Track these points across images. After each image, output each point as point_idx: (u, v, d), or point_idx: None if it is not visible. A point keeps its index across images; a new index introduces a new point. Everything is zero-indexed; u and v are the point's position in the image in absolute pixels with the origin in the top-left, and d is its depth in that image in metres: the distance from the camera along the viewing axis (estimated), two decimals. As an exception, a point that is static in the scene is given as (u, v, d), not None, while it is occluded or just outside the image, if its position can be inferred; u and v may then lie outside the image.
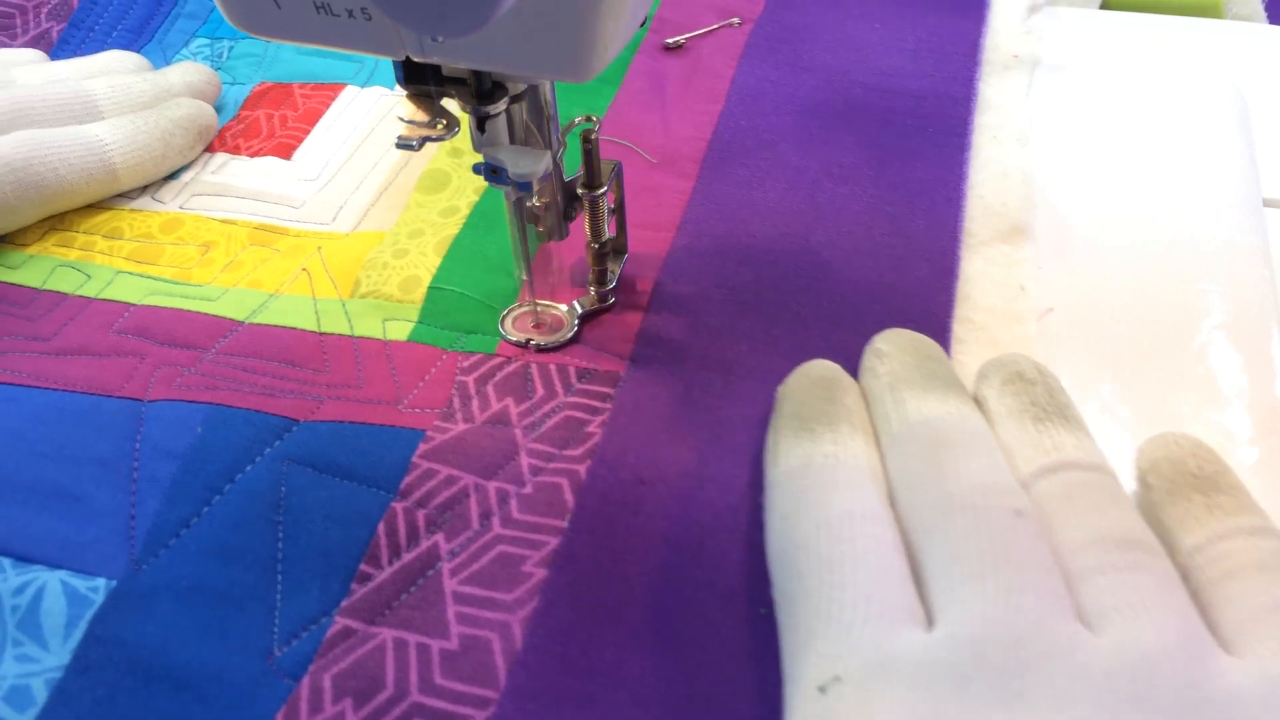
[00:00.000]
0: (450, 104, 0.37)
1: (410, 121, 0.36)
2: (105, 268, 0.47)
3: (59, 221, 0.50)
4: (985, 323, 0.42)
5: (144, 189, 0.52)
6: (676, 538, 0.36)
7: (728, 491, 0.37)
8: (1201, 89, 0.53)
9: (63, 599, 0.35)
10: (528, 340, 0.42)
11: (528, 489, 0.37)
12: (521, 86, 0.36)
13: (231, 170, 0.53)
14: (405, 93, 0.36)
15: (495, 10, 0.25)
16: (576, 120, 0.40)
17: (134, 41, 0.62)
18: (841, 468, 0.33)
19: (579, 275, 0.45)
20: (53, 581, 0.36)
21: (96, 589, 0.36)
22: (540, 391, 0.40)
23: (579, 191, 0.41)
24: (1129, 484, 0.35)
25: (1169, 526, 0.32)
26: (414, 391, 0.41)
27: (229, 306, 0.45)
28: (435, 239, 0.47)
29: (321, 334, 0.44)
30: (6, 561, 0.36)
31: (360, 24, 0.32)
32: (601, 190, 0.41)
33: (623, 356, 0.42)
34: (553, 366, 0.41)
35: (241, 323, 0.44)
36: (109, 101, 0.52)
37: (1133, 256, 0.45)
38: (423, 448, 0.39)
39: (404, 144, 0.36)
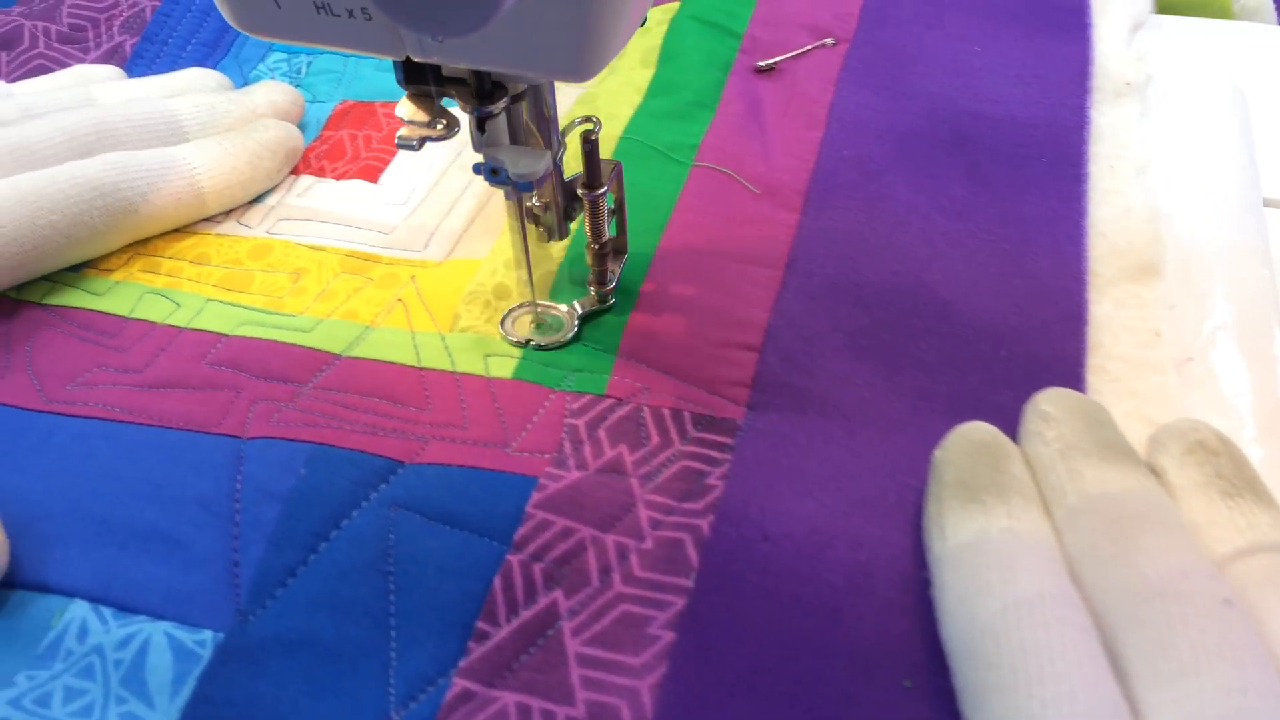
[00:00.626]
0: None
1: (410, 121, 0.36)
2: (194, 295, 0.46)
3: (144, 246, 0.49)
4: (1120, 373, 0.40)
5: (229, 213, 0.50)
6: (808, 600, 0.34)
7: (858, 549, 0.35)
8: (1202, 89, 0.53)
9: (169, 654, 0.34)
10: (528, 340, 0.42)
11: (648, 544, 0.36)
12: (521, 86, 0.36)
13: (317, 194, 0.51)
14: (405, 93, 0.36)
15: (495, 10, 0.26)
16: (576, 120, 0.39)
17: (209, 56, 0.60)
18: (1021, 543, 0.31)
19: (578, 275, 0.45)
20: (157, 634, 0.34)
21: (203, 642, 0.34)
22: (655, 439, 0.39)
23: (579, 191, 0.41)
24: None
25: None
26: (522, 434, 0.39)
27: (324, 338, 0.44)
28: (536, 272, 0.45)
29: (422, 369, 0.42)
30: (107, 611, 0.35)
31: (360, 24, 0.32)
32: (601, 190, 0.41)
33: (739, 402, 0.40)
34: (666, 411, 0.40)
35: (338, 356, 0.43)
36: (194, 122, 0.50)
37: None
38: (536, 496, 0.37)
39: (404, 144, 0.36)
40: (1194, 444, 0.34)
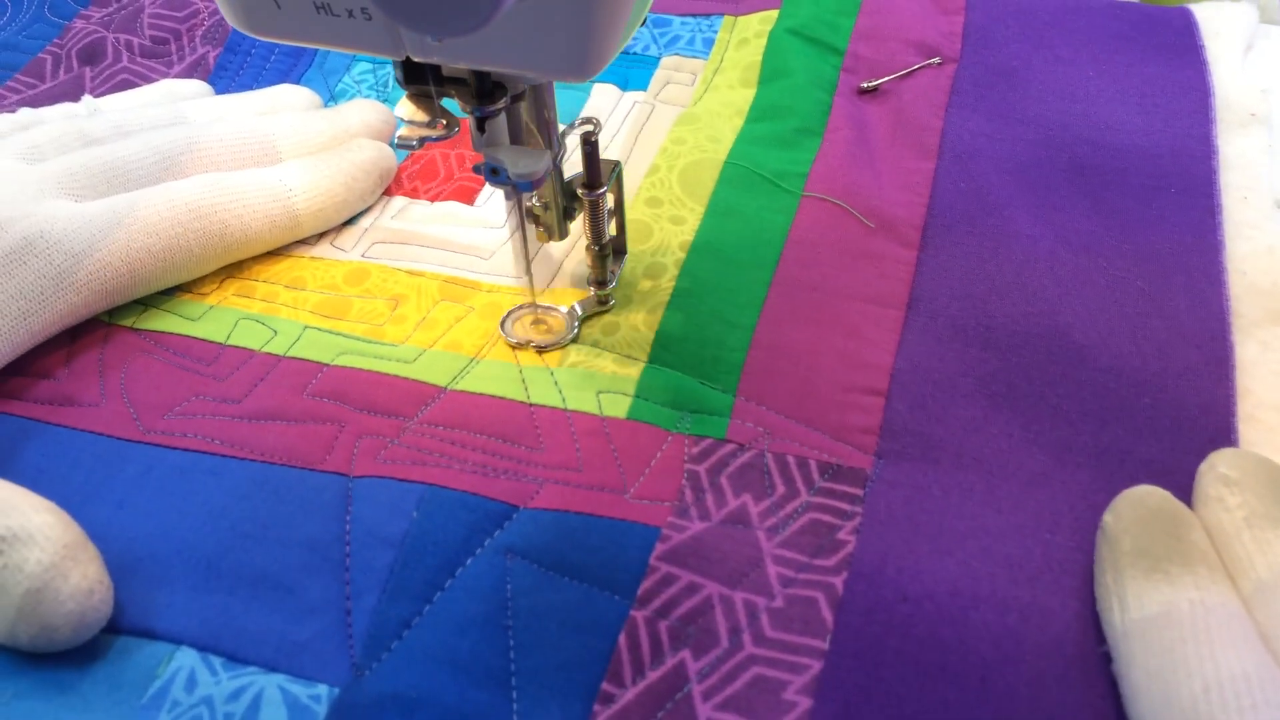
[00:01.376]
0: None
1: (410, 121, 0.36)
2: (292, 322, 0.45)
3: (237, 269, 0.47)
4: (1275, 423, 0.38)
5: (322, 235, 0.49)
6: (954, 669, 0.32)
7: (1006, 613, 0.33)
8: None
9: (284, 708, 0.32)
10: (528, 341, 0.42)
11: (779, 602, 0.34)
12: (521, 86, 0.36)
13: (412, 216, 0.50)
14: (405, 92, 0.36)
15: (495, 10, 0.25)
16: (576, 121, 0.39)
17: (293, 68, 0.59)
18: (1214, 618, 0.29)
19: (578, 276, 0.45)
20: (270, 687, 0.33)
21: (318, 697, 0.33)
22: (781, 489, 0.37)
23: (579, 191, 0.41)
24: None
25: None
26: (640, 479, 0.38)
27: (428, 370, 0.42)
28: (644, 308, 0.43)
29: (531, 405, 0.40)
30: (217, 661, 0.34)
31: (360, 24, 0.32)
32: (601, 190, 0.41)
33: (867, 450, 0.38)
34: (791, 459, 0.38)
35: (444, 389, 0.41)
36: (288, 142, 0.49)
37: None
38: (660, 548, 0.35)
39: (404, 144, 0.36)
40: None
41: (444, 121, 0.36)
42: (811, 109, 0.52)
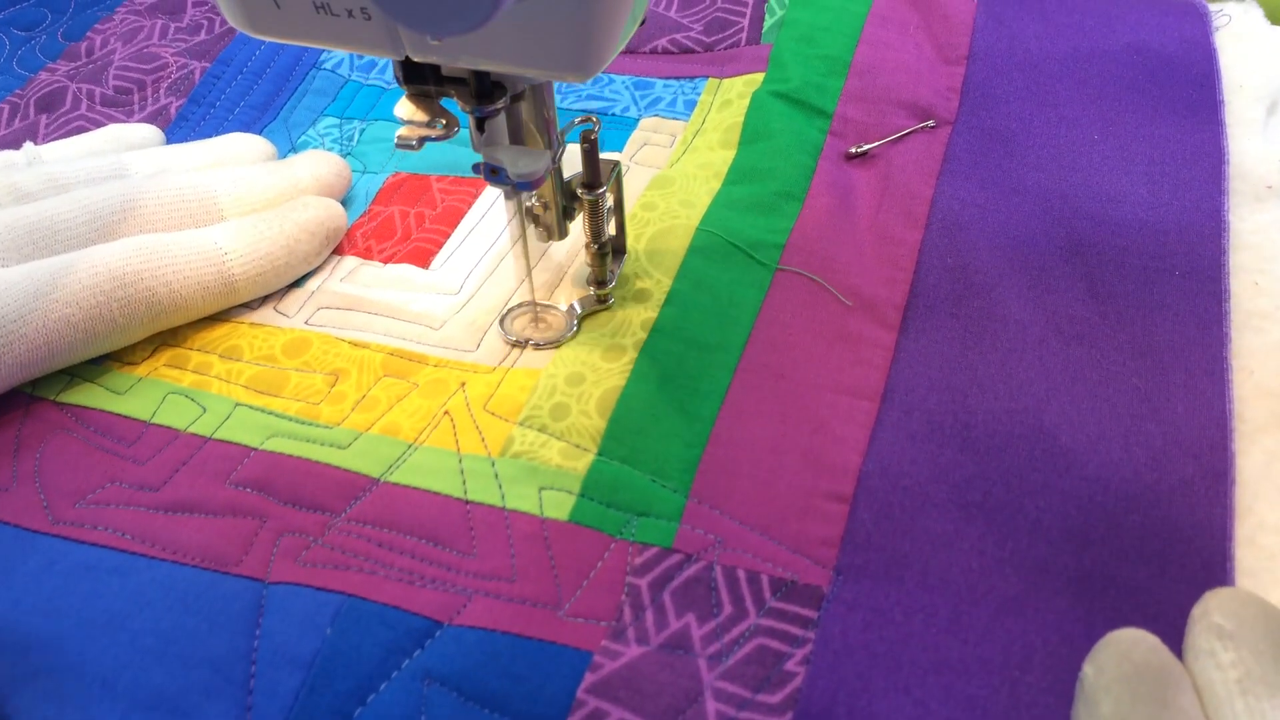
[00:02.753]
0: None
1: (410, 121, 0.35)
2: (222, 398, 0.42)
3: (172, 336, 0.44)
4: (1278, 549, 0.34)
5: (266, 299, 0.46)
6: (907, 834, 0.29)
7: (967, 768, 0.30)
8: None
9: None
10: (527, 339, 0.42)
11: (718, 746, 0.31)
12: (521, 86, 0.36)
13: (362, 279, 0.47)
14: (405, 92, 0.36)
15: (495, 10, 0.25)
16: (576, 120, 0.39)
17: (257, 120, 0.56)
18: None
19: (578, 275, 0.45)
20: (152, 831, 0.30)
21: (204, 843, 0.30)
22: (729, 608, 0.34)
23: (579, 191, 0.41)
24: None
25: None
26: (577, 593, 0.35)
27: (361, 458, 0.39)
28: (598, 392, 0.40)
29: (468, 502, 0.37)
30: (99, 793, 0.31)
31: (360, 24, 0.32)
32: (601, 190, 0.41)
33: (826, 565, 0.35)
34: (741, 573, 0.35)
35: (377, 480, 0.38)
36: (230, 198, 0.46)
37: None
38: (589, 679, 0.32)
39: (403, 144, 0.35)
40: None
41: (444, 121, 0.35)
42: (793, 172, 0.49)
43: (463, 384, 0.42)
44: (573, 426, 0.39)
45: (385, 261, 0.48)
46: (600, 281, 0.43)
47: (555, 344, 0.42)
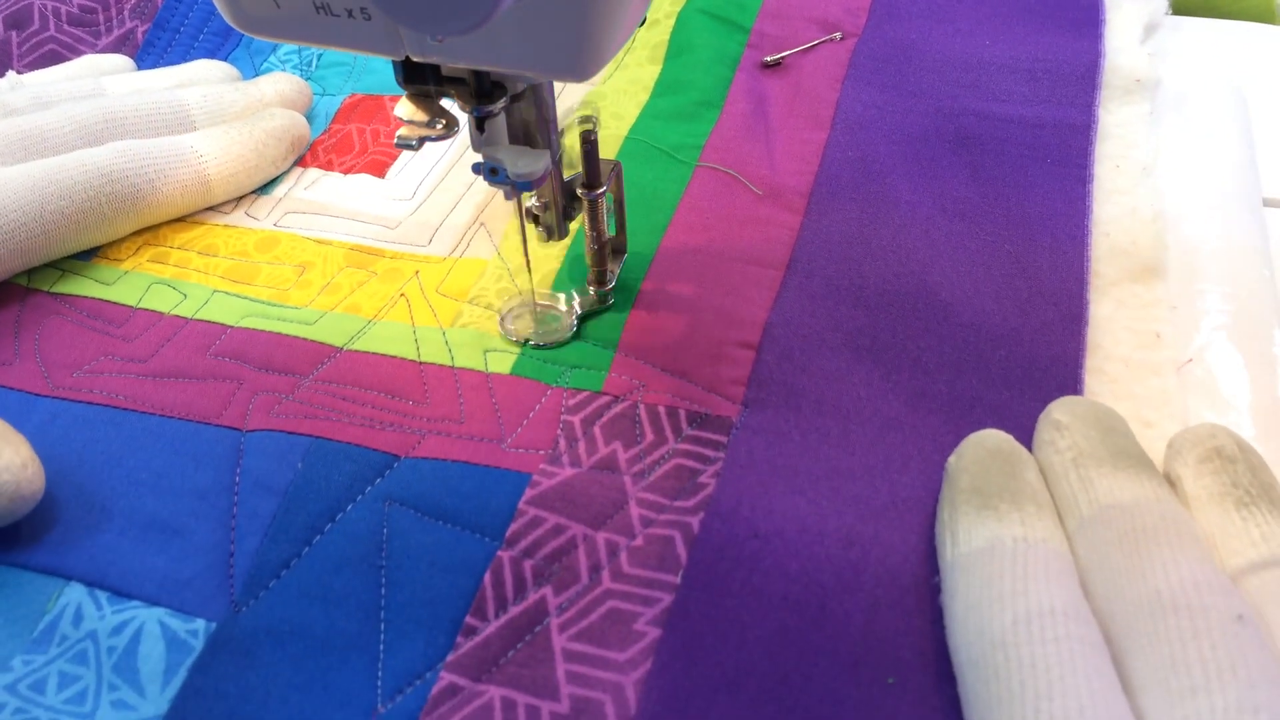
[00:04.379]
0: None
1: (410, 121, 0.36)
2: (201, 286, 0.47)
3: (153, 236, 0.49)
4: (1119, 374, 0.40)
5: (237, 204, 0.51)
6: (796, 597, 0.34)
7: (850, 546, 0.35)
8: (1201, 89, 0.53)
9: (161, 643, 0.34)
10: (527, 339, 0.42)
11: (638, 541, 0.36)
12: (521, 86, 0.36)
13: (325, 187, 0.52)
14: (405, 92, 0.36)
15: (494, 9, 0.25)
16: (576, 120, 0.39)
17: (220, 46, 0.61)
18: (1034, 553, 0.31)
19: (578, 275, 0.45)
20: (150, 622, 0.35)
21: (196, 632, 0.35)
22: (650, 436, 0.39)
23: (579, 191, 0.41)
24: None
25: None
26: (518, 430, 0.40)
27: (327, 331, 0.44)
28: (537, 275, 0.45)
29: (421, 363, 0.42)
30: (103, 596, 0.36)
31: (360, 24, 0.32)
32: (601, 190, 0.41)
33: (735, 400, 0.40)
34: (661, 409, 0.40)
35: (340, 349, 0.43)
36: (201, 111, 0.51)
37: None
38: (529, 493, 0.37)
39: (403, 143, 0.36)
40: (1210, 451, 0.34)
41: (444, 121, 0.36)
42: (713, 84, 0.54)
43: (417, 272, 0.47)
44: (515, 300, 0.44)
45: (345, 172, 0.53)
46: (600, 281, 0.44)
47: (556, 344, 0.43)
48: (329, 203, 0.51)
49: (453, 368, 0.42)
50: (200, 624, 0.35)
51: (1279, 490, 0.32)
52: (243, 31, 0.34)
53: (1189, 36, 0.58)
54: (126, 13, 0.62)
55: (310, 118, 0.56)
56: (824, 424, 0.39)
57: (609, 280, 0.44)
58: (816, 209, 0.47)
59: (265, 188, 0.52)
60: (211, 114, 0.51)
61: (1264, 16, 0.62)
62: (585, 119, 0.40)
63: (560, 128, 0.40)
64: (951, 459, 0.36)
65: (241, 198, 0.51)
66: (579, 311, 0.43)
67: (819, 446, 0.38)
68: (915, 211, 0.46)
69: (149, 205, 0.47)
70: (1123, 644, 0.29)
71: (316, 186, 0.52)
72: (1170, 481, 0.34)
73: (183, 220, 0.50)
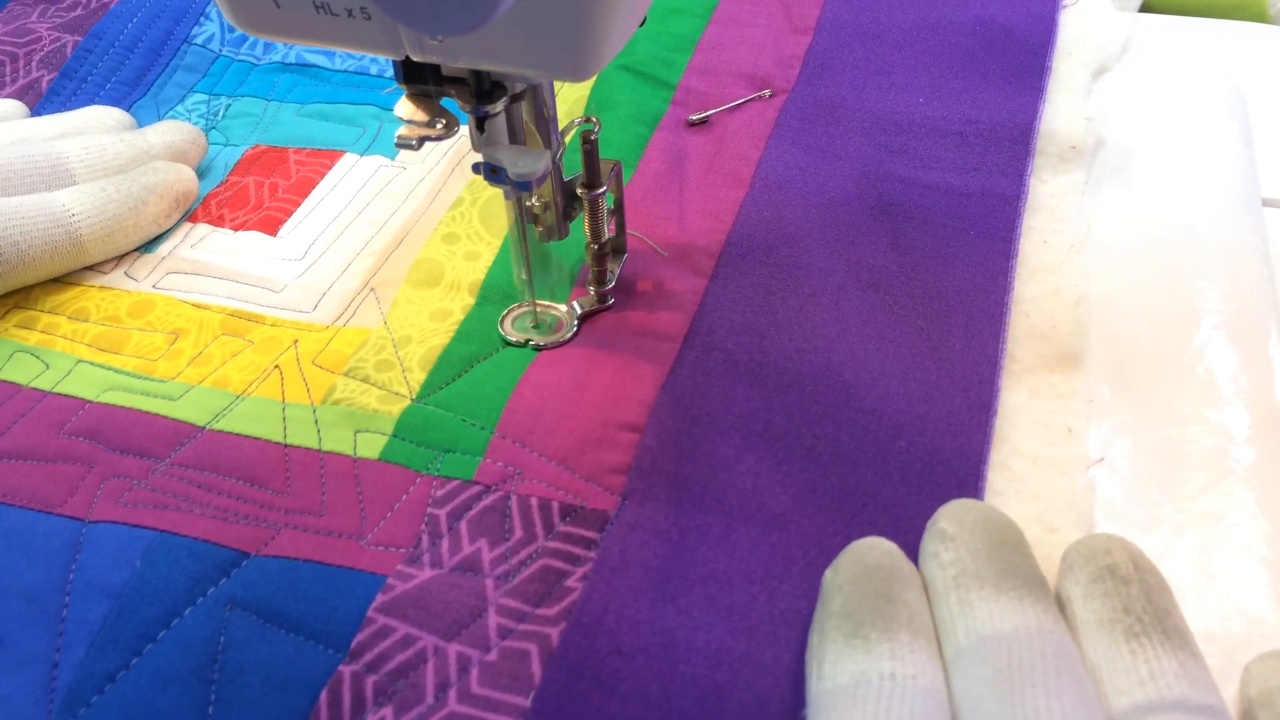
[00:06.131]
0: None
1: (409, 121, 0.35)
2: (66, 355, 0.44)
3: (24, 298, 0.46)
4: (1025, 472, 0.37)
5: (118, 263, 0.48)
6: (654, 727, 0.31)
7: (716, 667, 0.32)
8: (1201, 89, 0.53)
9: (-37, 771, 0.31)
10: (527, 340, 0.42)
11: (492, 655, 0.33)
12: (521, 86, 0.36)
13: (212, 245, 0.49)
14: (405, 92, 0.36)
15: (494, 9, 0.25)
16: (576, 120, 0.39)
17: (128, 95, 0.58)
18: (899, 694, 0.28)
19: (578, 275, 0.45)
20: (-45, 747, 0.32)
21: (3, 758, 0.32)
22: (519, 533, 0.36)
23: (578, 191, 0.41)
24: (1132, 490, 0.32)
25: None
26: (380, 524, 0.37)
27: (190, 408, 0.41)
28: (422, 349, 0.42)
29: (287, 446, 0.39)
30: (-88, 713, 0.33)
31: (359, 23, 0.31)
32: (601, 190, 0.41)
33: (614, 491, 0.37)
34: (534, 501, 0.37)
35: (202, 428, 0.40)
36: (81, 165, 0.48)
37: (1130, 253, 0.45)
38: (380, 599, 0.34)
39: (403, 143, 0.35)
40: (1103, 570, 0.31)
41: (443, 121, 0.36)
42: (628, 142, 0.51)
43: (295, 341, 0.44)
44: (394, 378, 0.42)
45: (236, 229, 0.50)
46: (600, 281, 0.43)
47: (556, 344, 0.42)
48: (214, 263, 0.48)
49: (319, 451, 0.39)
50: (8, 749, 0.32)
51: (1174, 618, 0.30)
52: (244, 31, 0.33)
53: (1188, 37, 0.57)
54: (34, 63, 0.60)
55: (207, 169, 0.53)
56: (705, 521, 0.36)
57: (609, 280, 0.43)
58: (724, 272, 0.44)
59: (149, 245, 0.49)
60: (92, 168, 0.48)
61: (1257, 16, 0.61)
62: (586, 119, 0.39)
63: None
64: (828, 573, 0.33)
65: (123, 256, 0.48)
66: (579, 313, 0.43)
67: (697, 547, 0.35)
68: (827, 280, 0.44)
69: (14, 268, 0.44)
70: None
71: (203, 244, 0.49)
72: (1061, 602, 0.31)
73: (58, 281, 0.47)
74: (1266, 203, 0.48)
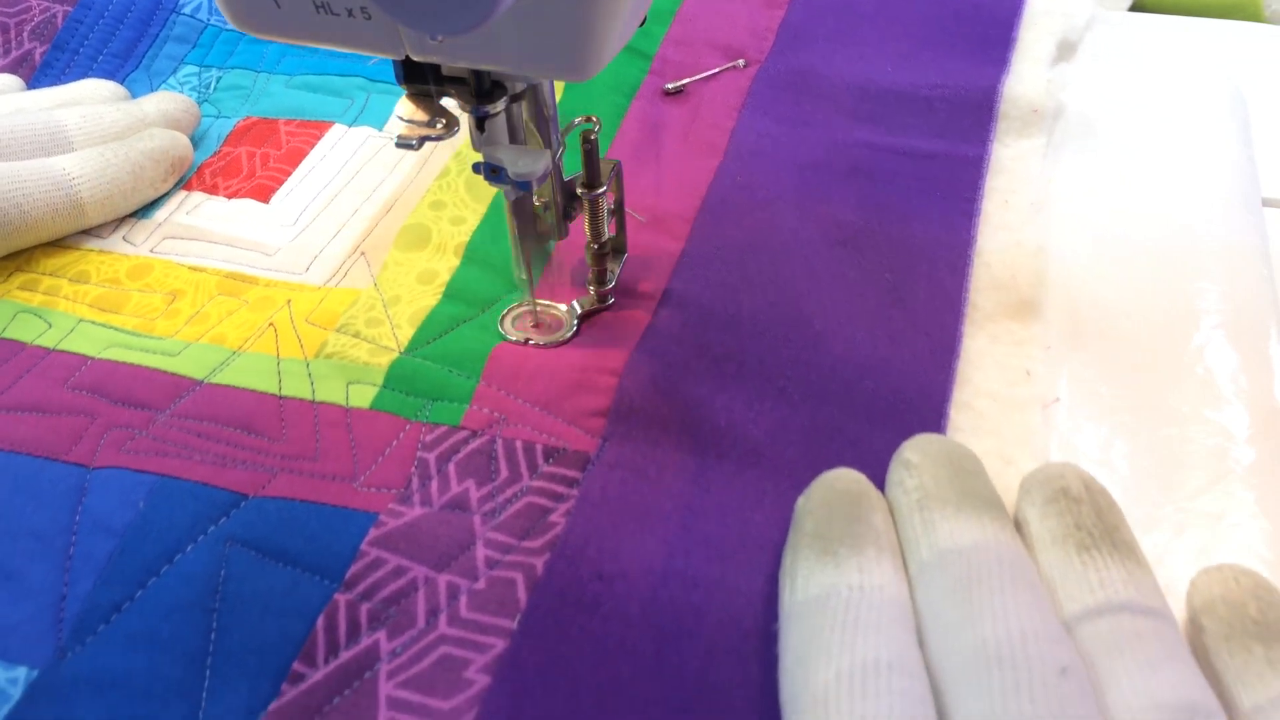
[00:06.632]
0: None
1: (410, 121, 0.35)
2: (68, 315, 0.45)
3: (25, 262, 0.48)
4: (985, 410, 0.39)
5: (116, 228, 0.50)
6: (632, 644, 0.33)
7: (692, 590, 0.34)
8: (1201, 89, 0.53)
9: (-20, 691, 0.33)
10: (526, 340, 0.42)
11: (480, 584, 0.35)
12: (521, 86, 0.36)
13: (206, 212, 0.51)
14: (405, 91, 0.36)
15: (495, 8, 0.25)
16: (576, 121, 0.39)
17: (120, 67, 0.60)
18: (866, 602, 0.30)
19: (578, 275, 0.44)
20: (-29, 669, 0.34)
21: (16, 680, 0.33)
22: (504, 473, 0.38)
23: (579, 191, 0.41)
24: (1136, 487, 0.33)
25: (1225, 679, 0.29)
26: (372, 467, 0.39)
27: (189, 363, 0.43)
28: (411, 308, 0.44)
29: (282, 398, 0.41)
30: (-73, 642, 0.34)
31: (360, 23, 0.31)
32: (601, 190, 0.41)
33: (594, 433, 0.39)
34: (519, 444, 0.39)
35: (200, 382, 0.42)
36: (79, 132, 0.50)
37: (1129, 254, 0.45)
38: (373, 533, 0.36)
39: (403, 143, 0.35)
40: (1057, 492, 0.33)
41: (444, 121, 0.36)
42: (606, 111, 0.53)
43: (289, 301, 0.46)
44: (383, 333, 0.43)
45: (230, 197, 0.51)
46: (600, 281, 0.43)
47: (556, 344, 0.42)
48: (209, 228, 0.50)
49: (313, 402, 0.41)
50: (21, 672, 0.34)
51: (1124, 532, 0.32)
52: (244, 31, 0.33)
53: (1187, 36, 0.58)
54: (26, 35, 0.61)
55: (201, 140, 0.55)
56: (681, 459, 0.38)
57: (609, 280, 0.43)
58: (699, 235, 0.46)
59: (145, 211, 0.51)
60: (90, 135, 0.50)
61: (1252, 17, 0.62)
62: (586, 119, 0.39)
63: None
64: (800, 500, 0.35)
65: (121, 222, 0.50)
66: (579, 312, 0.43)
67: (674, 483, 0.37)
68: (798, 238, 0.46)
69: (17, 229, 0.46)
70: (948, 696, 0.28)
71: (198, 211, 0.51)
72: (1019, 524, 0.33)
73: (58, 245, 0.49)
74: (1266, 203, 0.48)
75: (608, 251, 0.43)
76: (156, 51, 0.60)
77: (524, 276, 0.42)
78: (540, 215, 0.41)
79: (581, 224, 0.42)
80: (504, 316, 0.43)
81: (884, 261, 0.44)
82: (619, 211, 0.43)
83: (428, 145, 0.52)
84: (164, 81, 0.59)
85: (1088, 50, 0.57)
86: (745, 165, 0.50)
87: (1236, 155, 0.49)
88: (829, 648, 0.29)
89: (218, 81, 0.59)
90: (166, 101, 0.53)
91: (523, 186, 0.37)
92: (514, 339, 0.42)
